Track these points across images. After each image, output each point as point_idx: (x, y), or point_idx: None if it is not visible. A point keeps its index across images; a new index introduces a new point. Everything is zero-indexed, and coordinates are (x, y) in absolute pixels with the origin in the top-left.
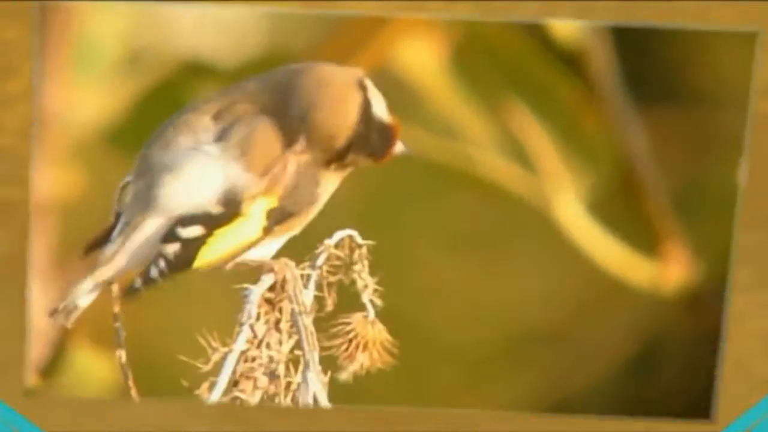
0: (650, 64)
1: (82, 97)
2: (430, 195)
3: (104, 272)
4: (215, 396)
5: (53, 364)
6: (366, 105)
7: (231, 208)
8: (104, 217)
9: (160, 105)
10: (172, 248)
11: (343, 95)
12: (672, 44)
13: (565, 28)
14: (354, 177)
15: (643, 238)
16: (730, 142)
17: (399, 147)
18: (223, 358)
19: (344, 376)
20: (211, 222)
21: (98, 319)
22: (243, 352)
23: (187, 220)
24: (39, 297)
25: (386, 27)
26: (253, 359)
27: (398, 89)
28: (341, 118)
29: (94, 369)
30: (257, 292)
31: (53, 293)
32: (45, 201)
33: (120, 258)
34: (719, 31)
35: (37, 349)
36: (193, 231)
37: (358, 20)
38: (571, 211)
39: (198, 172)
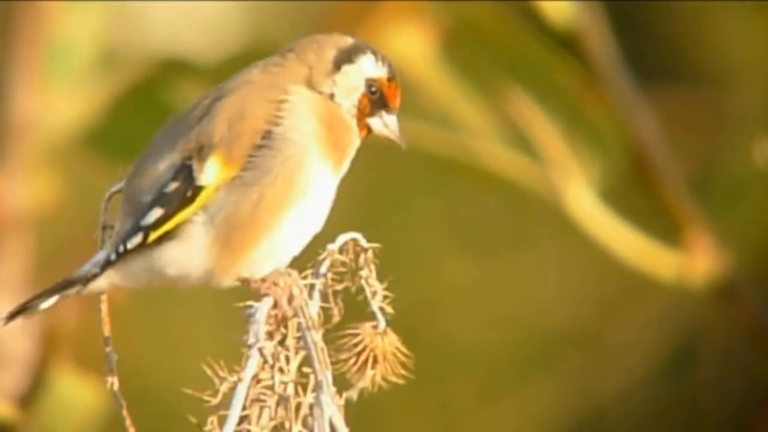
0: (651, 41)
1: (56, 101)
2: (435, 191)
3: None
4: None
5: (32, 394)
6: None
7: (185, 183)
8: (84, 229)
9: (140, 106)
10: (137, 239)
11: (322, 45)
12: (673, 19)
13: (558, 8)
14: (355, 175)
15: (663, 226)
16: (744, 120)
17: (376, 125)
18: (233, 388)
19: (352, 393)
20: (169, 202)
21: (84, 343)
22: (253, 377)
23: (147, 208)
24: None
25: (373, 15)
26: (258, 382)
27: None
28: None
29: (78, 398)
30: (263, 309)
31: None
32: (18, 213)
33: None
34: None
35: (13, 376)
36: (154, 215)
37: (343, 9)
38: (584, 200)
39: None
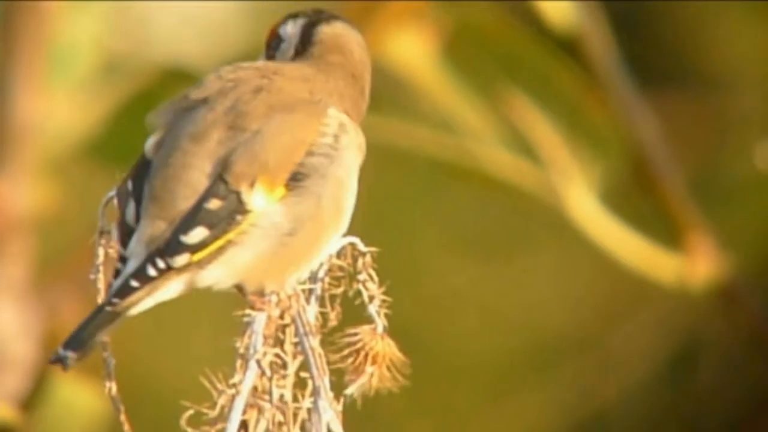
0: (652, 45)
1: (58, 107)
2: (434, 195)
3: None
4: None
5: (34, 397)
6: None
7: (234, 206)
8: (84, 235)
9: (141, 114)
10: (182, 260)
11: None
12: (674, 22)
13: (559, 11)
14: None
15: (663, 230)
16: (745, 124)
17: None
18: (231, 400)
19: (351, 391)
20: (214, 223)
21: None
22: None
23: (185, 225)
24: (15, 321)
25: (373, 18)
26: (256, 389)
27: (389, 83)
28: None
29: (80, 402)
30: (261, 320)
31: (31, 317)
32: (19, 218)
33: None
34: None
35: (14, 379)
36: (197, 235)
37: (343, 12)
38: (584, 204)
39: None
